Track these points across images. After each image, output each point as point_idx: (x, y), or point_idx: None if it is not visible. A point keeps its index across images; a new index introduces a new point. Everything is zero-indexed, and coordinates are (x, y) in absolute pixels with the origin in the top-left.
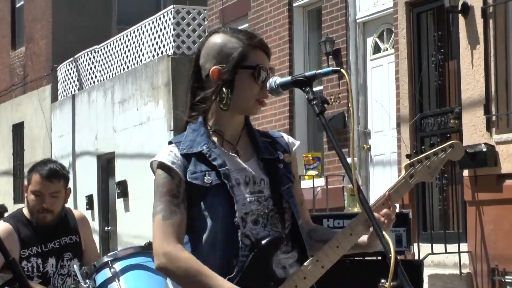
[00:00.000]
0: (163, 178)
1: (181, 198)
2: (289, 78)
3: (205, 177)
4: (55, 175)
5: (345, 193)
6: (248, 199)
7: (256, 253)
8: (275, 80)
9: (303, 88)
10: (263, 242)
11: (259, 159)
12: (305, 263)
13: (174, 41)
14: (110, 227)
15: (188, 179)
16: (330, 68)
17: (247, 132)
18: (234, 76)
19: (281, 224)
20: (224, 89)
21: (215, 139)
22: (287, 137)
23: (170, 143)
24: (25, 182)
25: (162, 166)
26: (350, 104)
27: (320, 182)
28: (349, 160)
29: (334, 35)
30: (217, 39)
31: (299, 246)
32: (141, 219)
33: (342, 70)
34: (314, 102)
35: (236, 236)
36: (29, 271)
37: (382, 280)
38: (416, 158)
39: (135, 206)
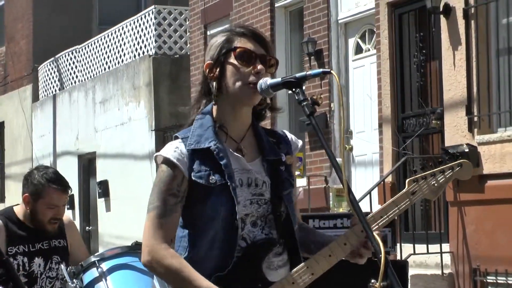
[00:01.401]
0: (166, 175)
1: (180, 198)
2: (279, 79)
3: (210, 177)
4: (67, 185)
5: (331, 194)
6: (249, 201)
7: (247, 254)
8: (265, 81)
9: (293, 89)
10: (256, 243)
11: (264, 160)
12: (295, 269)
13: (156, 41)
14: (91, 227)
15: (193, 178)
16: (321, 70)
17: (253, 131)
18: (222, 66)
19: (277, 227)
20: (212, 81)
21: (220, 135)
22: (290, 136)
23: (176, 137)
24: (26, 192)
25: (167, 162)
26: (340, 105)
27: (302, 182)
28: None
29: (316, 36)
30: (214, 39)
31: (292, 250)
32: (122, 219)
33: (332, 72)
34: (305, 103)
35: (234, 237)
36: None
37: (372, 280)
38: (420, 175)
39: (116, 206)
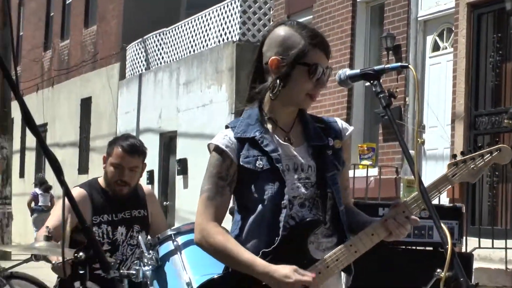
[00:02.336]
0: (215, 160)
1: (228, 181)
2: (358, 70)
3: (257, 162)
4: (136, 150)
5: (401, 184)
6: (296, 184)
7: (294, 231)
8: (345, 71)
9: (371, 81)
10: (303, 222)
11: (309, 145)
12: (338, 247)
13: (240, 28)
14: (168, 202)
15: (241, 163)
16: (399, 64)
17: (300, 120)
18: (291, 71)
19: (324, 209)
20: (277, 80)
21: (269, 126)
22: (340, 123)
23: (226, 127)
24: (105, 154)
25: (216, 148)
26: (417, 99)
27: (373, 172)
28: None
29: (395, 32)
30: (282, 31)
31: (339, 232)
32: (198, 196)
33: (409, 66)
34: (381, 95)
35: (280, 217)
36: (99, 237)
37: (438, 270)
38: (461, 158)
39: (193, 183)
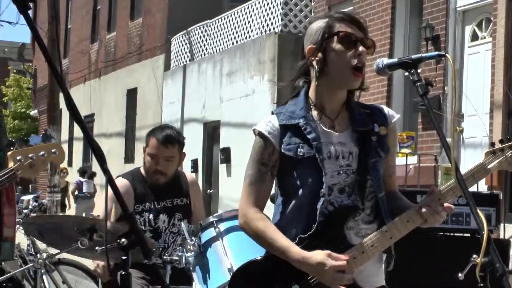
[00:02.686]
0: (258, 146)
1: (270, 167)
2: (395, 59)
3: (298, 149)
4: (170, 141)
5: (439, 172)
6: (336, 172)
7: (332, 217)
8: (382, 60)
9: (409, 70)
10: (341, 207)
11: (354, 130)
12: (374, 233)
13: (282, 20)
14: (212, 190)
15: (282, 150)
16: (436, 53)
17: (347, 106)
18: (324, 50)
19: (363, 195)
20: (315, 64)
21: (315, 113)
22: (387, 110)
23: (272, 113)
24: (144, 145)
25: (260, 134)
26: (454, 88)
27: (412, 160)
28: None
29: (434, 22)
30: (314, 24)
31: (379, 218)
32: (241, 184)
33: (447, 55)
34: (419, 83)
35: (318, 204)
36: (141, 225)
37: (474, 256)
38: (499, 147)
39: (236, 171)
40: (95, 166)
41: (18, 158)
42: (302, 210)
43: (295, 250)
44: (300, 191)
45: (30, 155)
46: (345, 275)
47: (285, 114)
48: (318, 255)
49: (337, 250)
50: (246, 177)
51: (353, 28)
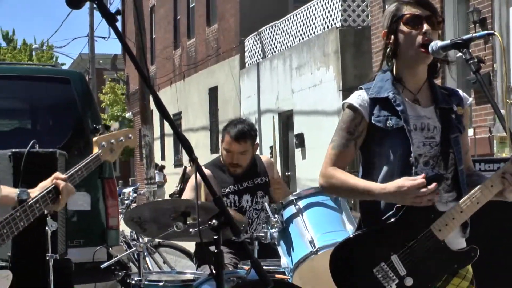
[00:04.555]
0: (347, 116)
1: (355, 136)
2: (448, 41)
3: (387, 121)
4: (242, 137)
5: (495, 141)
6: (422, 143)
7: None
8: (436, 43)
9: (461, 50)
10: (428, 178)
11: (437, 107)
12: (461, 200)
13: (342, 15)
14: (290, 172)
15: (373, 121)
16: (485, 32)
17: (429, 85)
18: (395, 30)
19: (446, 167)
20: (392, 43)
21: (397, 87)
22: (461, 93)
23: (360, 88)
24: (221, 138)
25: (350, 106)
26: (504, 63)
27: (468, 132)
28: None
29: (480, 6)
30: (387, 9)
31: (458, 188)
32: (315, 165)
33: (495, 33)
34: (471, 61)
35: (409, 173)
36: (228, 206)
37: None
38: None
39: (310, 154)
40: (185, 158)
41: (102, 144)
42: (393, 179)
43: (375, 186)
44: (390, 161)
45: (111, 141)
46: (426, 195)
47: (374, 88)
48: (397, 182)
49: (428, 219)
50: (330, 142)
51: (419, 8)
